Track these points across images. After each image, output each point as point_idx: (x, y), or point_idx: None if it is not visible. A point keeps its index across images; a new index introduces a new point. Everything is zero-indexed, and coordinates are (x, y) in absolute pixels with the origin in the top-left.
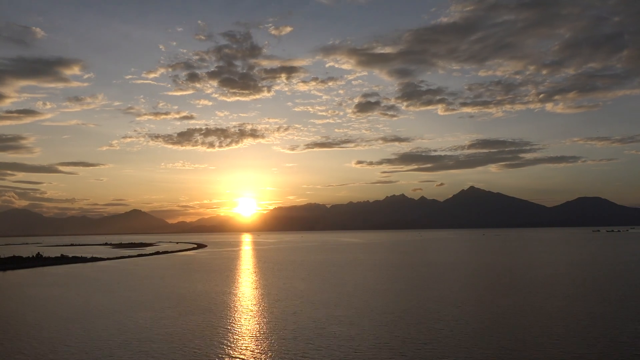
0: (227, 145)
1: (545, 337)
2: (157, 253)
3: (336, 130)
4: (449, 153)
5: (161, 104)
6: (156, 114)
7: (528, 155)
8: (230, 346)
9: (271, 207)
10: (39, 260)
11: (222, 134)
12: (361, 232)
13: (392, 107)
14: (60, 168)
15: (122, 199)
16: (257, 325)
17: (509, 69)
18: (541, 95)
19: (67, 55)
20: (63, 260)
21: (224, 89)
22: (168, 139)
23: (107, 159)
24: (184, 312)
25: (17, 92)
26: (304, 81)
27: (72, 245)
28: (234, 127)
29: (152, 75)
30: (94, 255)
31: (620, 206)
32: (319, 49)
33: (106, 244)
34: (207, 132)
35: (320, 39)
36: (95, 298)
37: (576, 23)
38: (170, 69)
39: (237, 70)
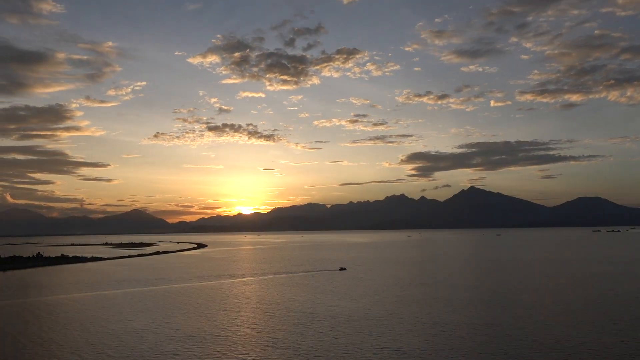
0: (257, 139)
1: None
2: (158, 253)
3: (373, 126)
4: (482, 150)
5: (201, 94)
6: (193, 109)
7: (561, 152)
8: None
9: (272, 207)
10: (40, 260)
11: (254, 130)
12: (362, 232)
13: (442, 97)
14: (73, 169)
15: (128, 199)
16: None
17: (586, 51)
18: (606, 82)
19: (93, 35)
20: (63, 260)
21: (272, 75)
22: (195, 136)
23: (123, 161)
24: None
25: (41, 85)
26: (358, 65)
27: (72, 245)
28: (265, 124)
29: (197, 61)
30: (95, 255)
31: (620, 206)
32: (386, 25)
33: (106, 243)
34: (238, 128)
35: (388, 12)
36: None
37: None
38: (222, 51)
39: (293, 53)
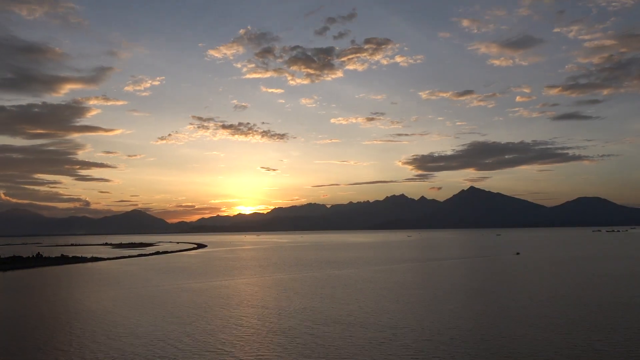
0: (268, 138)
1: None
2: (158, 253)
3: (390, 124)
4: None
5: (220, 90)
6: (208, 106)
7: (577, 152)
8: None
9: (272, 207)
10: (39, 261)
11: (267, 129)
12: (364, 233)
13: (466, 92)
14: (78, 169)
15: (128, 199)
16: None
17: (627, 40)
18: None
19: (106, 26)
20: (63, 260)
21: (296, 68)
22: (209, 134)
23: (128, 162)
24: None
25: (49, 80)
26: (386, 57)
27: (72, 245)
28: (280, 122)
29: (221, 54)
30: (94, 255)
31: (620, 206)
32: (424, 10)
33: (106, 244)
34: (252, 127)
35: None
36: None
37: None
38: (247, 42)
39: (320, 45)
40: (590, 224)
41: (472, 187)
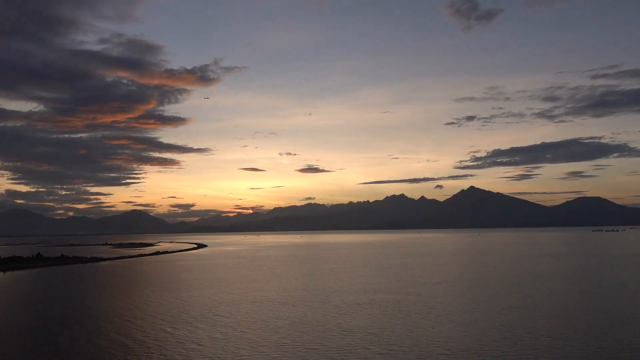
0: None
1: None
2: (158, 253)
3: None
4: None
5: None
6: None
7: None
8: None
9: (272, 207)
10: (40, 261)
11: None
12: (365, 233)
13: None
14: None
15: (128, 199)
16: None
17: None
18: None
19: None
20: (63, 260)
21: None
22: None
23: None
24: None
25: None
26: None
27: (72, 245)
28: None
29: None
30: (94, 256)
31: (620, 206)
32: None
33: (106, 244)
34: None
35: None
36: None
37: None
38: None
39: None
40: (590, 224)
41: (472, 187)
